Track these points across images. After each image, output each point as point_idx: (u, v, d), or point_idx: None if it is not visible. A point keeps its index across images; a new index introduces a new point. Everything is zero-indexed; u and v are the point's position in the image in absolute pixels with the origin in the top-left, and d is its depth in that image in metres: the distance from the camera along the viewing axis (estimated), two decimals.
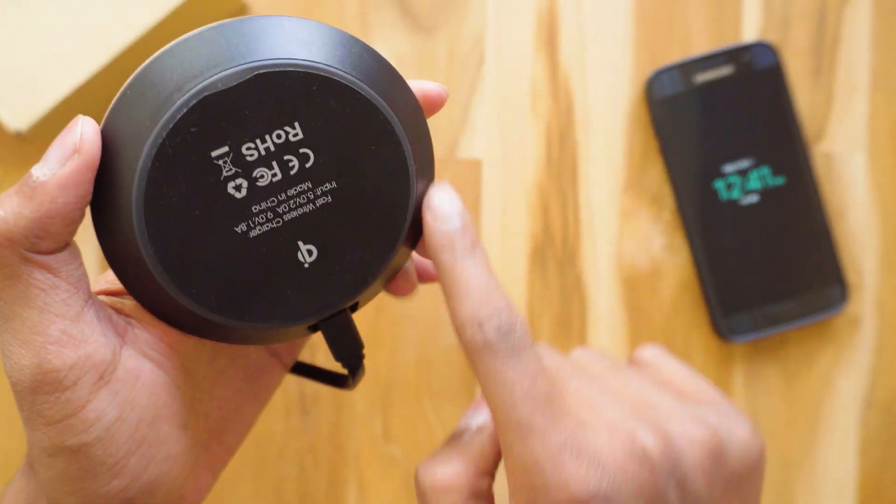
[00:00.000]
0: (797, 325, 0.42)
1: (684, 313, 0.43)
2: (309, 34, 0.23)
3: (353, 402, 0.42)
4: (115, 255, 0.24)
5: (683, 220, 0.42)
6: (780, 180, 0.42)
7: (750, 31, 0.43)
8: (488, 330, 0.23)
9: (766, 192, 0.42)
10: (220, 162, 0.22)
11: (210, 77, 0.22)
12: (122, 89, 0.22)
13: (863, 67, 0.43)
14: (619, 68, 0.43)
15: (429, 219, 0.24)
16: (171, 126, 0.21)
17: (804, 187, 0.42)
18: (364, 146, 0.24)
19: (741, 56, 0.42)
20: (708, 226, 0.42)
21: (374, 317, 0.42)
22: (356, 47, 0.24)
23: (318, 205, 0.24)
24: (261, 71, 0.22)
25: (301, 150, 0.23)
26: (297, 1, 0.43)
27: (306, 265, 0.24)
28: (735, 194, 0.42)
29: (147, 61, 0.23)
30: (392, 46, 0.43)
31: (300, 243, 0.24)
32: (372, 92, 0.23)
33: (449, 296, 0.24)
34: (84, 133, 0.21)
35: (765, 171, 0.42)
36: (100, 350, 0.23)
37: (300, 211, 0.24)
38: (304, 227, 0.24)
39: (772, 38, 0.43)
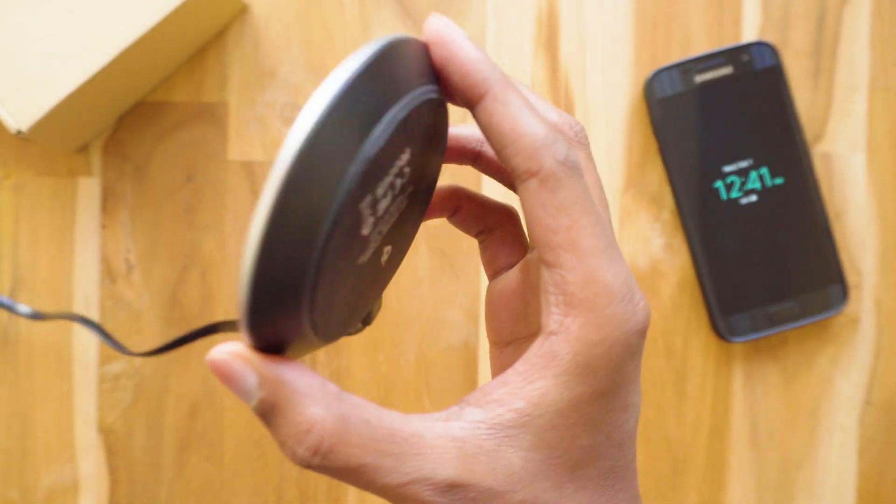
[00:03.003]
0: (797, 325, 0.42)
1: (684, 313, 0.43)
2: (391, 61, 0.22)
3: None
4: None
5: (683, 221, 0.42)
6: (779, 180, 0.42)
7: (750, 31, 0.43)
8: (560, 151, 0.22)
9: (765, 192, 0.42)
10: (365, 211, 0.21)
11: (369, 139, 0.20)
12: (288, 166, 0.19)
13: (862, 68, 0.43)
14: (619, 68, 0.43)
15: (456, 76, 0.22)
16: (345, 206, 0.20)
17: (804, 187, 0.42)
18: (434, 139, 0.24)
19: (741, 56, 0.42)
20: (707, 226, 0.42)
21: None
22: (409, 54, 0.23)
23: (401, 209, 0.24)
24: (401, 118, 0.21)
25: (404, 170, 0.23)
26: (298, 2, 0.43)
27: (382, 264, 0.25)
28: (735, 194, 0.42)
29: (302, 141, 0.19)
30: None
31: (386, 248, 0.24)
32: (440, 92, 0.23)
33: (501, 135, 0.22)
34: None
35: (764, 171, 0.42)
36: None
37: (392, 221, 0.24)
38: (391, 233, 0.24)
39: (771, 38, 0.43)
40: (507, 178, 0.28)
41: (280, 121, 0.43)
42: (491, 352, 0.29)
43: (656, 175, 0.43)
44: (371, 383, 0.42)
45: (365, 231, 0.22)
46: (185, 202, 0.43)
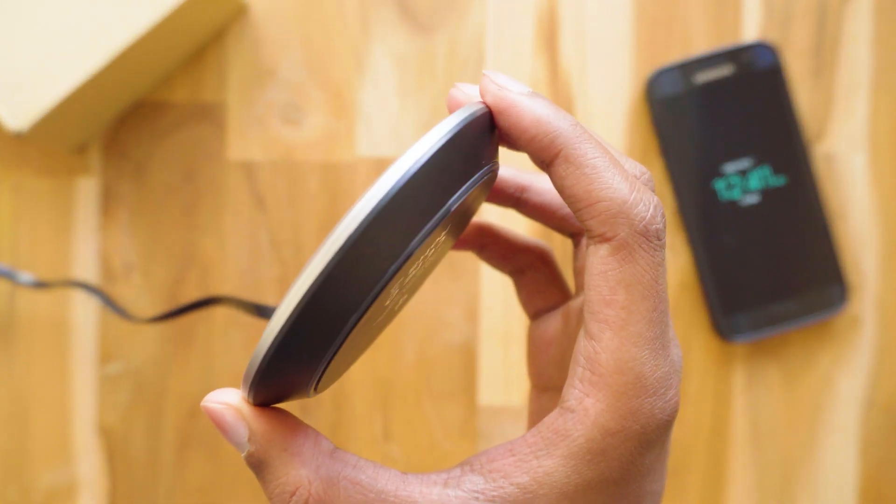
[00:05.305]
0: (798, 325, 0.42)
1: (684, 313, 0.43)
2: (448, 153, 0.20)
3: (353, 402, 0.42)
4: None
5: (683, 220, 0.42)
6: (780, 180, 0.42)
7: (750, 31, 0.43)
8: (640, 218, 0.20)
9: (766, 192, 0.42)
10: (394, 290, 0.21)
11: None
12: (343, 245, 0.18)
13: (863, 67, 0.43)
14: (620, 68, 0.43)
15: (522, 141, 0.21)
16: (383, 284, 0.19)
17: (805, 187, 0.42)
18: (478, 200, 0.23)
19: (741, 56, 0.42)
20: (708, 226, 0.42)
21: None
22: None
23: (429, 262, 0.23)
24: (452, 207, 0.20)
25: (441, 238, 0.22)
26: (298, 1, 0.43)
27: (396, 310, 0.24)
28: (735, 194, 0.42)
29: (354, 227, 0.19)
30: (392, 46, 0.43)
31: (403, 298, 0.24)
32: (496, 162, 0.22)
33: (576, 199, 0.21)
34: None
35: (765, 170, 0.42)
36: None
37: (417, 277, 0.23)
38: (413, 285, 0.23)
39: (772, 38, 0.43)
40: (553, 223, 0.26)
41: (280, 121, 0.43)
42: (531, 393, 0.28)
43: (657, 175, 0.43)
44: (371, 384, 0.42)
45: (388, 302, 0.21)
46: (184, 202, 0.43)
